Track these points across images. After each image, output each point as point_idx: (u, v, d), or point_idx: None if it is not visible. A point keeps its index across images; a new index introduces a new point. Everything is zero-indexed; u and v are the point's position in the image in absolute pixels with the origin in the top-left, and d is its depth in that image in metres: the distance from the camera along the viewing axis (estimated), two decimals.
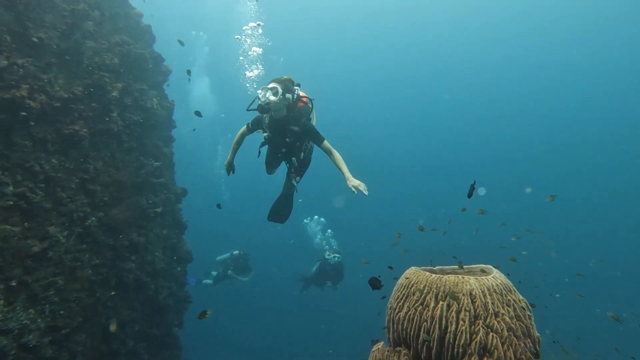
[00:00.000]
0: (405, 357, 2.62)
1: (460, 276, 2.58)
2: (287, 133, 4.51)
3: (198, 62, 24.05)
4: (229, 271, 12.33)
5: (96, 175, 5.47)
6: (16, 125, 3.89)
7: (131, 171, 6.33)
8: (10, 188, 3.75)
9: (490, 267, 2.87)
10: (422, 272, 2.71)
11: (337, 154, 4.61)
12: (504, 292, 2.55)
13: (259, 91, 4.25)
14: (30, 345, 3.84)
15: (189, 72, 7.20)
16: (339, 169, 4.57)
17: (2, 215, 3.66)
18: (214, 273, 12.67)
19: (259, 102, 4.32)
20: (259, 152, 5.03)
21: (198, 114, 5.33)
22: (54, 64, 4.53)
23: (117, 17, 5.92)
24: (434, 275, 2.63)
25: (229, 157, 5.18)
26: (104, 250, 5.50)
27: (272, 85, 4.23)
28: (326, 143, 4.62)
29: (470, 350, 2.36)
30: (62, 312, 4.43)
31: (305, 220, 16.97)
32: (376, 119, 34.28)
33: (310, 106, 4.67)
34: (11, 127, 3.80)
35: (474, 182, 2.88)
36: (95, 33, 5.26)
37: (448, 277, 2.58)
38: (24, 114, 3.93)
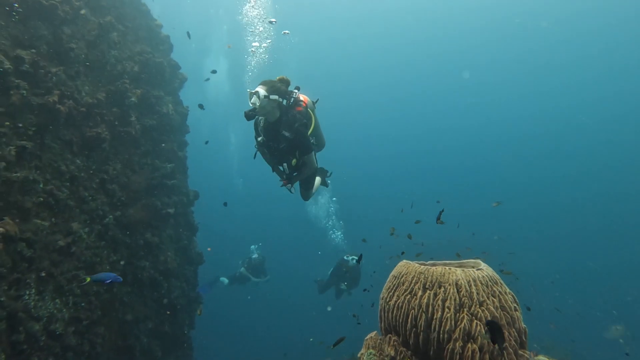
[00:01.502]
0: (395, 343, 2.92)
1: (447, 267, 2.88)
2: (280, 138, 4.37)
3: (216, 44, 23.04)
4: (242, 269, 12.75)
5: (115, 176, 5.93)
6: (48, 128, 4.36)
7: (147, 173, 6.78)
8: (41, 185, 4.20)
9: (479, 261, 3.15)
10: (411, 263, 3.02)
11: (307, 171, 4.64)
12: (489, 283, 2.83)
13: (249, 91, 4.17)
14: (57, 333, 4.26)
15: (213, 72, 7.62)
16: (300, 175, 4.65)
17: (34, 211, 4.11)
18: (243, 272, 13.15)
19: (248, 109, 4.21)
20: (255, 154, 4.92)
21: (201, 106, 5.54)
22: (82, 72, 5.03)
23: (139, 28, 6.45)
24: (422, 266, 2.93)
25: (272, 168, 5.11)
26: (121, 247, 5.93)
27: (257, 88, 4.12)
28: (310, 157, 4.56)
29: (455, 336, 2.65)
30: (83, 304, 4.85)
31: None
32: (382, 116, 34.87)
33: (308, 110, 4.51)
34: (44, 129, 4.27)
35: (442, 210, 3.26)
36: (119, 43, 5.77)
37: (435, 268, 2.88)
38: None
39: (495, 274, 2.98)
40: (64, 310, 4.42)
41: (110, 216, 5.75)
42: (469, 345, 2.62)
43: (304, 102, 4.49)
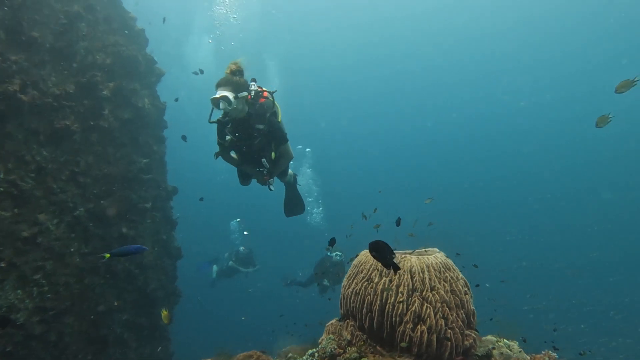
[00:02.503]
0: (352, 327, 2.89)
1: (403, 255, 2.86)
2: (253, 133, 4.17)
3: (199, 21, 21.53)
4: (230, 262, 12.75)
5: (87, 168, 5.76)
6: (10, 116, 4.20)
7: (122, 166, 6.62)
8: (2, 175, 4.05)
9: (435, 249, 3.14)
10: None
11: (288, 161, 4.53)
12: (442, 269, 2.82)
13: (212, 97, 3.95)
14: (18, 323, 4.12)
15: (201, 71, 7.52)
16: (279, 167, 4.49)
17: None
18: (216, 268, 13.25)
19: (218, 117, 4.08)
20: (216, 155, 4.57)
21: (176, 100, 5.42)
22: (47, 62, 4.86)
23: (111, 19, 6.25)
24: None
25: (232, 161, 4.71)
26: (94, 240, 5.78)
27: (221, 94, 3.90)
28: (287, 145, 4.42)
29: (406, 319, 2.63)
30: (49, 295, 4.71)
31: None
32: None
33: (272, 99, 4.30)
34: (5, 118, 4.11)
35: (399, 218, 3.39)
36: (89, 34, 5.59)
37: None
38: None
39: (449, 260, 2.96)
40: (27, 300, 4.28)
41: (82, 208, 5.59)
42: (419, 326, 2.60)
43: (265, 93, 4.30)
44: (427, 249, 3.22)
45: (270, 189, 4.82)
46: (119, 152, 6.68)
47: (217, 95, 3.90)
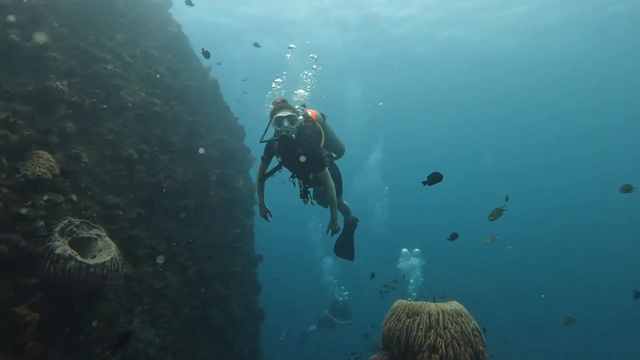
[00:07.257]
0: (386, 356, 4.20)
1: (425, 302, 4.19)
2: (294, 156, 4.81)
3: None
4: (326, 311, 13.93)
5: (196, 237, 7.98)
6: (155, 198, 6.54)
7: (220, 236, 8.79)
8: (148, 241, 6.27)
9: (455, 301, 4.39)
10: (403, 300, 4.36)
11: (331, 191, 5.08)
12: (455, 315, 4.07)
13: (277, 116, 4.58)
14: (151, 356, 6.04)
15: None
16: (329, 204, 5.11)
17: (142, 259, 6.14)
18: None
19: (282, 133, 4.64)
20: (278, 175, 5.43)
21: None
22: (178, 158, 7.33)
23: (220, 121, 8.87)
24: (407, 301, 4.26)
25: (258, 200, 5.46)
26: (198, 295, 7.79)
27: (287, 113, 4.56)
28: (324, 173, 4.99)
29: (423, 349, 3.89)
30: (169, 336, 6.66)
31: None
32: None
33: (317, 125, 4.95)
34: (152, 200, 6.45)
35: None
36: (205, 134, 8.12)
37: (417, 302, 4.19)
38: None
39: (463, 309, 4.19)
40: (157, 339, 6.23)
41: (193, 269, 7.71)
42: (433, 355, 3.84)
43: (313, 117, 5.04)
44: (449, 302, 4.47)
45: (309, 203, 5.61)
46: (219, 224, 8.91)
47: (284, 114, 4.61)
